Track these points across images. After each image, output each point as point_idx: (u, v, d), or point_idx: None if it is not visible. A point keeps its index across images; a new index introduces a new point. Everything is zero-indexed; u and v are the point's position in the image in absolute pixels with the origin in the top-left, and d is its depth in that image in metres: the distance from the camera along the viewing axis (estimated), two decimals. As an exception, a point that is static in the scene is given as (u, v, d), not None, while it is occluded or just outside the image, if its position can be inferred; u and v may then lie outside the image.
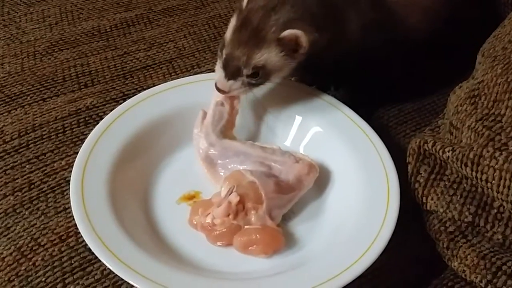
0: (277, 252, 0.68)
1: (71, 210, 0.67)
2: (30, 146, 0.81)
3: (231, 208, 0.68)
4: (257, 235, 0.68)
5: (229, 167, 0.74)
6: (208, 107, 0.77)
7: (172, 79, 0.90)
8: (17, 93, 0.89)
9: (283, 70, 0.73)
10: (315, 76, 0.80)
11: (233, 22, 0.73)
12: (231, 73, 0.72)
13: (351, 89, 0.81)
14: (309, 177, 0.72)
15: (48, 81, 0.92)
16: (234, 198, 0.68)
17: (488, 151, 0.65)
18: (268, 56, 0.71)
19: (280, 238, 0.69)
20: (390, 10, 0.80)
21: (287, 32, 0.69)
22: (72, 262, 0.67)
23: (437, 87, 0.90)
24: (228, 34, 0.72)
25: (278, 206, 0.70)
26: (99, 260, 0.63)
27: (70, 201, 0.67)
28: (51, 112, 0.86)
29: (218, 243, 0.69)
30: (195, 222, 0.70)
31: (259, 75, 0.72)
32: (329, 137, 0.78)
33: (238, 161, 0.74)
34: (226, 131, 0.77)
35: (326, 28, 0.73)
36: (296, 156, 0.74)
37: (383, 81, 0.84)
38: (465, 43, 0.84)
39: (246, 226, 0.68)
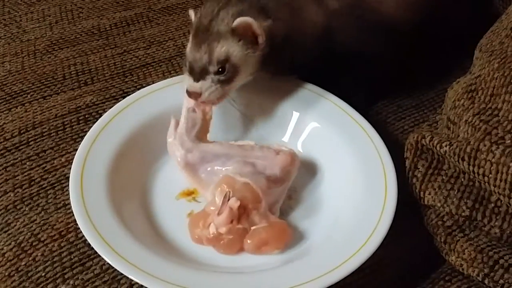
0: (288, 245, 0.68)
1: (71, 206, 0.67)
2: (30, 143, 0.81)
3: (233, 213, 0.67)
4: (267, 233, 0.68)
5: (212, 170, 0.73)
6: (180, 115, 0.76)
7: (171, 77, 0.90)
8: (18, 91, 0.90)
9: (249, 63, 0.73)
10: (308, 72, 0.81)
11: (190, 37, 0.74)
12: (199, 74, 0.72)
13: (347, 84, 0.81)
14: (293, 166, 0.73)
15: (48, 79, 0.93)
16: (235, 203, 0.67)
17: (485, 145, 0.65)
18: (228, 47, 0.71)
19: (288, 230, 0.69)
20: None
21: (238, 20, 0.70)
22: (72, 257, 0.68)
23: (435, 84, 0.91)
24: (188, 46, 0.74)
25: (275, 200, 0.71)
26: (99, 255, 0.64)
27: (69, 197, 0.68)
28: (51, 110, 0.87)
29: (231, 252, 0.67)
30: (197, 237, 0.69)
31: (226, 69, 0.72)
32: (327, 132, 0.78)
33: (219, 163, 0.73)
34: (200, 137, 0.75)
35: (280, 17, 0.74)
36: (274, 148, 0.74)
37: (377, 75, 0.84)
38: (455, 35, 0.84)
39: (252, 227, 0.68)
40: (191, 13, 0.76)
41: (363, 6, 0.80)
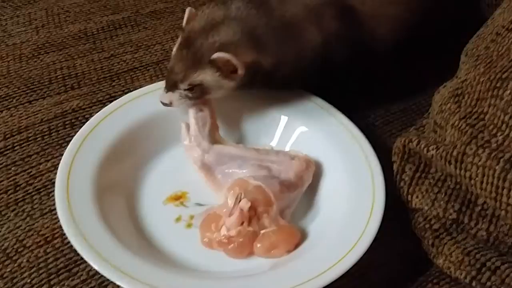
0: (297, 246, 0.68)
1: (57, 212, 0.66)
2: (15, 148, 0.80)
3: (243, 215, 0.67)
4: (277, 236, 0.68)
5: (228, 172, 0.74)
6: (188, 118, 0.77)
7: (159, 81, 0.89)
8: (3, 96, 0.89)
9: (223, 88, 0.75)
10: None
11: (179, 39, 0.75)
12: (170, 85, 0.74)
13: (334, 91, 0.82)
14: (308, 171, 0.73)
15: (34, 83, 0.92)
16: (246, 205, 0.67)
17: (471, 149, 0.65)
18: (204, 76, 0.73)
19: (297, 233, 0.69)
20: (357, 22, 0.80)
21: (216, 55, 0.71)
22: (58, 263, 0.67)
23: (423, 88, 0.91)
24: (174, 49, 0.75)
25: (287, 205, 0.71)
26: (85, 261, 0.63)
27: (55, 202, 0.67)
28: (37, 114, 0.86)
29: (241, 255, 0.67)
30: (206, 240, 0.68)
31: (194, 90, 0.74)
32: (315, 137, 0.78)
33: (235, 165, 0.74)
34: (213, 134, 0.76)
35: (273, 45, 0.74)
36: (289, 153, 0.74)
37: (363, 85, 0.85)
38: (442, 40, 0.84)
39: (262, 231, 0.68)
40: (189, 11, 0.75)
41: (362, 30, 0.81)
